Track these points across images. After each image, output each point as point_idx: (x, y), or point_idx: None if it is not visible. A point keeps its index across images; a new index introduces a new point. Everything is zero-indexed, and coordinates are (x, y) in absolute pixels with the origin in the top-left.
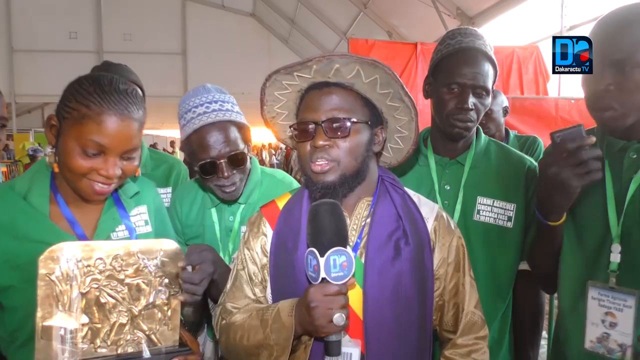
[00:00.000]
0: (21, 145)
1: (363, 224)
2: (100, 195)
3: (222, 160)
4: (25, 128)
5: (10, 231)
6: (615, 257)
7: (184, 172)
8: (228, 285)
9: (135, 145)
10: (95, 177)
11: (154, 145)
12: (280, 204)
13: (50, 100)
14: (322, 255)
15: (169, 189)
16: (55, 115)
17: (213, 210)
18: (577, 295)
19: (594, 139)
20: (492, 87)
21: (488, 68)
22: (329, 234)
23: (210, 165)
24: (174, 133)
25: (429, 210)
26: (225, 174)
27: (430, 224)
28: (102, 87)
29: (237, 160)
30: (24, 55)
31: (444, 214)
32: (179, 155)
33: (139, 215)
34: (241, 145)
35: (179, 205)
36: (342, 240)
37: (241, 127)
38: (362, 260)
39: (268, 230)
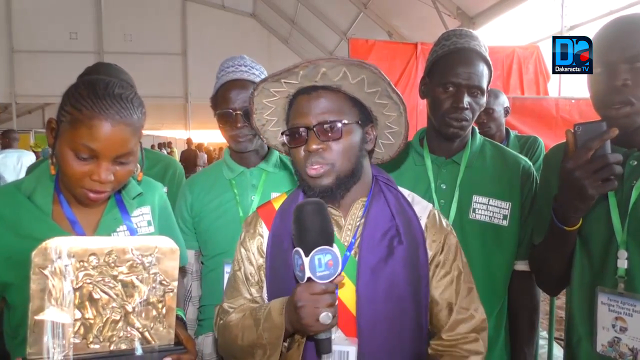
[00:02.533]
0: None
1: (358, 223)
2: (95, 201)
3: (238, 112)
4: (26, 128)
5: (15, 229)
6: (622, 263)
7: (179, 171)
8: (226, 286)
9: (129, 150)
10: (88, 184)
11: (159, 146)
12: (277, 204)
13: (50, 100)
14: (306, 254)
15: (165, 189)
16: (55, 118)
17: (233, 183)
18: (586, 300)
19: (617, 130)
20: (487, 87)
21: (483, 68)
22: (313, 234)
23: (227, 114)
24: (174, 133)
25: (422, 209)
26: (239, 124)
27: (423, 222)
28: (96, 91)
29: (251, 115)
30: (24, 56)
31: (436, 213)
32: (177, 155)
33: (142, 216)
34: None
35: (188, 192)
36: (327, 239)
37: None
38: (356, 259)
39: (264, 231)
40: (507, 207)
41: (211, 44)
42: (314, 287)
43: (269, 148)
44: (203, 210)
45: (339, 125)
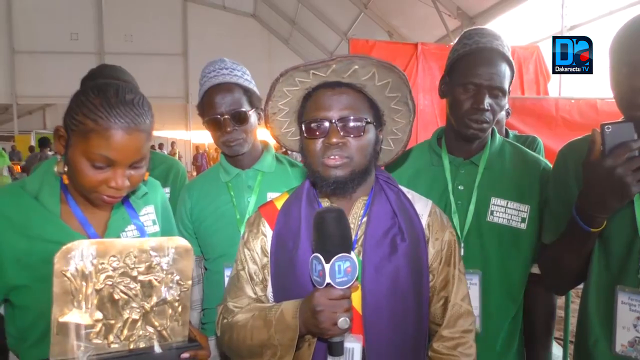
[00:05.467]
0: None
1: (360, 222)
2: (110, 204)
3: (226, 117)
4: (27, 129)
5: (23, 231)
6: None
7: (182, 172)
8: (228, 286)
9: (143, 155)
10: (105, 190)
11: (160, 146)
12: (279, 204)
13: (51, 101)
14: (327, 261)
15: (167, 189)
16: (63, 125)
17: (229, 185)
18: (604, 301)
19: None
20: (509, 88)
21: (505, 69)
22: (335, 241)
23: (215, 120)
24: (175, 134)
25: (422, 206)
26: (228, 129)
27: (424, 220)
28: (109, 99)
29: (239, 118)
30: (25, 57)
31: (437, 210)
32: (178, 155)
33: (147, 215)
34: (245, 106)
35: (187, 198)
36: (346, 246)
37: (247, 91)
38: (360, 257)
39: (267, 230)
40: (525, 210)
41: (212, 44)
42: (333, 293)
43: (263, 148)
44: (202, 214)
45: (361, 122)
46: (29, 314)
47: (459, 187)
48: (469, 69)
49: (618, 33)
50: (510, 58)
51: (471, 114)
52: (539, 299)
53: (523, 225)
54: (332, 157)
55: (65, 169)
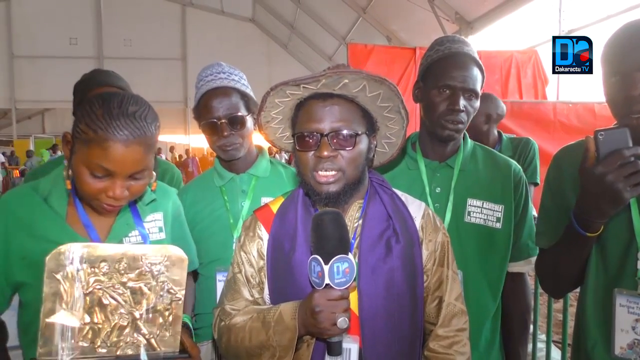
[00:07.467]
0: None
1: (356, 225)
2: (110, 212)
3: (222, 121)
4: (26, 134)
5: (29, 230)
6: None
7: (177, 176)
8: (225, 289)
9: (144, 166)
10: (104, 199)
11: (158, 151)
12: (274, 207)
13: (50, 106)
14: (326, 262)
15: None
16: (71, 132)
17: (223, 189)
18: (602, 303)
19: None
20: (480, 92)
21: (477, 72)
22: (333, 243)
23: (212, 124)
24: (175, 138)
25: (416, 208)
26: (225, 133)
27: (418, 222)
28: (110, 110)
29: (236, 123)
30: (24, 62)
31: (430, 212)
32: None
33: (154, 222)
34: (242, 111)
35: (180, 201)
36: (344, 248)
37: (244, 96)
38: (356, 259)
39: (264, 233)
40: (500, 210)
41: (211, 48)
42: (332, 294)
43: (258, 153)
44: (195, 218)
45: (353, 135)
46: (30, 310)
47: (436, 189)
48: (443, 72)
49: (607, 42)
50: (481, 63)
51: (447, 115)
52: (516, 296)
53: (498, 225)
54: (322, 172)
55: (70, 174)
